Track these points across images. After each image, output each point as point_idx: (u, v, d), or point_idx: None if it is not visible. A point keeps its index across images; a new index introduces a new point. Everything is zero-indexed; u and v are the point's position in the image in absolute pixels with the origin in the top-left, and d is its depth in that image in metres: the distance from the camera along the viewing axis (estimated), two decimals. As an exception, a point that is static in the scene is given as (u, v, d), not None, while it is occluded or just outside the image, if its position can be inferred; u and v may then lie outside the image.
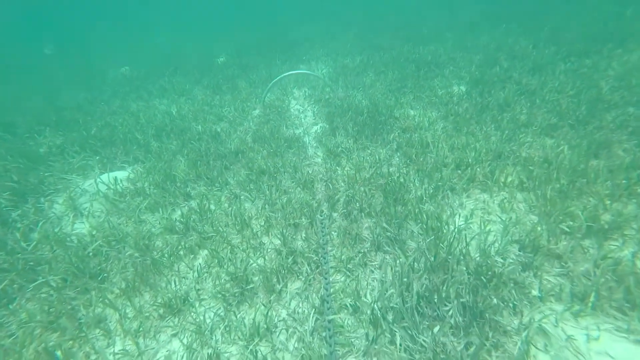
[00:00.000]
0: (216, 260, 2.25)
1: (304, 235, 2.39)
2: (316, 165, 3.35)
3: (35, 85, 7.61)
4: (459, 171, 2.84)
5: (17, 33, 14.25)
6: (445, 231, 2.19)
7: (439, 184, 2.66)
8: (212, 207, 2.82)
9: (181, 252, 2.38)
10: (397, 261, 2.03)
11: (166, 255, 2.34)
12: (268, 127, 4.23)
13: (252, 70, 6.80)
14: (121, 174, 3.50)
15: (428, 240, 2.09)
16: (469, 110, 3.81)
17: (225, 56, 8.12)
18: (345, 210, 2.57)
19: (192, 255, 2.37)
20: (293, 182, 3.04)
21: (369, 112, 4.10)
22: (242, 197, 2.93)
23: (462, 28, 7.69)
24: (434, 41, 6.97)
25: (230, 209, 2.74)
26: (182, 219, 2.64)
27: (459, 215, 2.38)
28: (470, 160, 2.89)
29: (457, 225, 2.25)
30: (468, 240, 2.05)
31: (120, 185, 3.24)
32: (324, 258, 2.16)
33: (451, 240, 2.02)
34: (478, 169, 2.75)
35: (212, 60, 7.97)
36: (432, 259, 1.92)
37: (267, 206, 2.75)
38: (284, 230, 2.40)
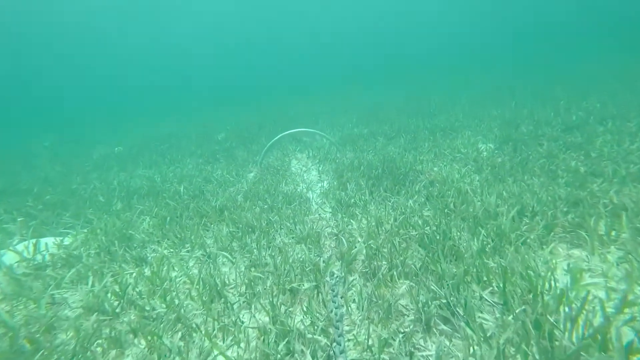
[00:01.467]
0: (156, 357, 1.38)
1: (305, 306, 1.55)
2: (323, 220, 2.63)
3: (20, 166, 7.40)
4: (526, 219, 2.10)
5: (20, 126, 15.08)
6: (544, 299, 1.37)
7: (499, 233, 1.90)
8: (174, 273, 2.02)
9: (99, 348, 1.50)
10: (471, 349, 1.17)
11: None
12: (264, 186, 3.64)
13: (252, 141, 6.57)
14: (52, 240, 2.75)
15: (517, 311, 1.25)
16: (506, 163, 3.23)
17: (226, 132, 8.07)
18: (368, 269, 1.77)
19: (118, 350, 1.49)
20: (292, 238, 2.29)
21: (385, 167, 3.54)
22: (219, 259, 2.14)
23: (468, 104, 7.77)
24: (443, 114, 6.90)
25: (199, 274, 1.93)
26: (120, 291, 1.82)
27: (552, 278, 1.56)
28: (535, 207, 2.18)
29: (559, 291, 1.43)
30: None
31: (45, 253, 2.44)
32: (339, 345, 1.29)
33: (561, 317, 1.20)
34: (555, 217, 2.03)
35: (211, 136, 7.90)
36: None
37: (253, 268, 1.95)
38: (275, 300, 1.57)
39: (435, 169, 3.46)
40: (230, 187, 3.94)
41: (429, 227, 2.08)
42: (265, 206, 3.04)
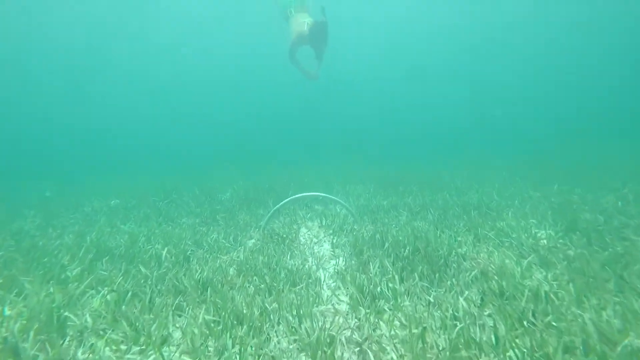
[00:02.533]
0: None
1: None
2: (338, 314, 1.93)
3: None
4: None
5: (27, 171, 15.19)
6: None
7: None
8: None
9: None
10: None
11: None
12: (264, 257, 3.00)
13: (259, 204, 6.05)
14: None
15: None
16: (588, 259, 2.50)
17: (232, 191, 7.62)
18: None
19: None
20: (293, 341, 1.59)
21: (416, 246, 2.90)
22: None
23: (497, 181, 7.27)
24: (471, 191, 6.38)
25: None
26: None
27: None
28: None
29: None
30: None
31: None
32: None
33: None
34: None
35: (215, 195, 7.44)
36: None
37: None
38: None
39: (482, 254, 2.78)
40: (223, 254, 3.30)
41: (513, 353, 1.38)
42: (262, 285, 2.37)
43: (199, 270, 2.62)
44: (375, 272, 2.51)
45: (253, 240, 3.87)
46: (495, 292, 2.01)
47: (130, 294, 2.13)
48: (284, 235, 3.74)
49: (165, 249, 3.19)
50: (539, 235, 3.18)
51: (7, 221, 5.40)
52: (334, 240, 3.52)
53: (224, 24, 23.29)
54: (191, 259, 3.07)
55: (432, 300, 2.00)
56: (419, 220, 4.35)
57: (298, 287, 2.34)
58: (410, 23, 24.30)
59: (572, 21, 22.39)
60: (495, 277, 2.17)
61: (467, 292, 2.05)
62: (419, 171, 10.34)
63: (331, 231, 3.99)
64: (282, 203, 4.09)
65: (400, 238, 3.25)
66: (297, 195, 4.04)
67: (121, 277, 2.43)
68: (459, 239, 3.23)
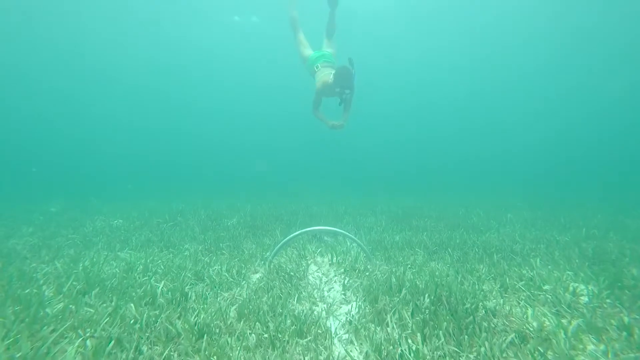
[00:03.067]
0: None
1: None
2: (352, 381, 1.67)
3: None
4: None
5: (32, 191, 15.29)
6: None
7: None
8: None
9: None
10: None
11: None
12: (269, 298, 2.75)
13: (265, 234, 5.82)
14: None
15: None
16: None
17: (238, 218, 7.42)
18: None
19: None
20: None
21: (437, 296, 2.62)
22: None
23: (517, 222, 6.94)
24: (490, 231, 6.06)
25: None
26: None
27: None
28: None
29: None
30: None
31: None
32: None
33: None
34: None
35: (221, 220, 7.25)
36: None
37: None
38: None
39: (514, 309, 2.48)
40: (225, 291, 3.06)
41: None
42: (265, 336, 2.11)
43: (196, 312, 2.38)
44: (393, 326, 2.24)
45: (258, 275, 3.63)
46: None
47: (113, 341, 1.88)
48: (292, 273, 3.49)
49: (162, 282, 2.96)
50: (578, 290, 2.86)
51: (2, 239, 5.26)
52: (346, 282, 3.25)
53: (236, 52, 23.94)
54: (190, 296, 2.83)
55: (462, 369, 1.72)
56: (436, 261, 4.07)
57: (305, 340, 2.07)
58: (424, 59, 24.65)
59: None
60: (539, 347, 1.88)
61: (503, 363, 1.76)
62: (432, 205, 10.06)
63: (342, 270, 3.72)
64: (290, 237, 3.87)
65: (418, 283, 2.98)
66: (307, 229, 3.82)
67: (107, 318, 2.20)
68: (484, 287, 2.94)
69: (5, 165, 29.09)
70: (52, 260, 3.74)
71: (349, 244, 4.90)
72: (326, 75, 5.31)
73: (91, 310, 2.38)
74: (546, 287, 2.82)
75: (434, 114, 35.22)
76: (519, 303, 2.58)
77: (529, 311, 2.42)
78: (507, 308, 2.48)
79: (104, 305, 2.53)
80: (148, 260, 3.86)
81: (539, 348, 1.83)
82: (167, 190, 16.52)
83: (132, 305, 2.46)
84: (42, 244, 4.96)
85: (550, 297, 2.64)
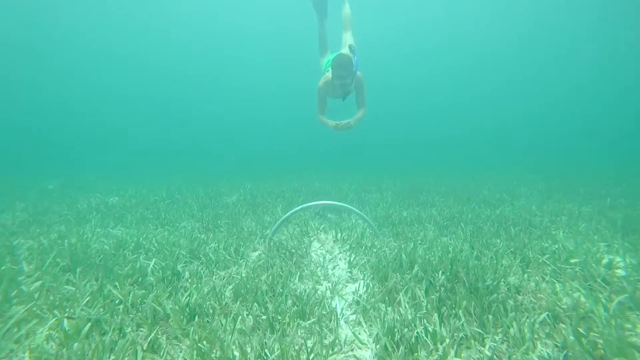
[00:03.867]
0: None
1: None
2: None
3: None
4: None
5: (36, 165, 15.10)
6: None
7: None
8: None
9: None
10: None
11: None
12: (268, 276, 2.54)
13: (266, 210, 5.61)
14: None
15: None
16: None
17: (238, 195, 7.22)
18: None
19: None
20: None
21: (452, 272, 2.41)
22: None
23: (533, 194, 6.67)
24: (504, 204, 5.80)
25: None
26: None
27: None
28: None
29: None
30: None
31: None
32: None
33: None
34: None
35: (220, 198, 7.05)
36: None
37: None
38: None
39: (541, 285, 2.25)
40: (221, 269, 2.86)
41: None
42: (264, 317, 1.91)
43: (188, 292, 2.18)
44: (406, 306, 2.03)
45: (257, 253, 3.43)
46: (586, 349, 1.49)
47: (87, 327, 1.68)
48: (293, 250, 3.29)
49: (154, 260, 2.76)
50: (614, 262, 2.62)
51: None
52: (352, 259, 3.04)
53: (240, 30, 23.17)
54: (183, 274, 2.63)
55: (490, 355, 1.51)
56: (448, 237, 3.85)
57: (308, 322, 1.87)
58: (433, 28, 23.77)
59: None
60: (579, 327, 1.65)
61: (538, 347, 1.55)
62: (440, 180, 9.80)
63: (347, 246, 3.51)
64: (291, 212, 3.65)
65: (431, 259, 2.76)
66: (309, 204, 3.59)
67: (89, 297, 2.00)
68: (504, 262, 2.71)
69: (7, 142, 28.98)
70: (39, 236, 3.55)
71: (354, 220, 4.69)
72: (329, 72, 4.74)
73: (72, 288, 2.19)
74: (574, 260, 2.58)
75: (438, 85, 34.40)
76: (544, 278, 2.36)
77: (557, 286, 2.20)
78: (533, 284, 2.26)
79: (89, 283, 2.33)
80: (141, 238, 3.66)
81: (579, 328, 1.61)
82: (167, 169, 16.34)
83: (116, 281, 2.27)
84: (33, 219, 4.79)
85: (580, 270, 2.40)
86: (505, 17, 22.57)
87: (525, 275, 2.38)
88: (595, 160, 13.71)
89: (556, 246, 3.01)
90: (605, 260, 2.47)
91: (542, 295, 2.08)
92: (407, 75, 31.56)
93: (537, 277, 2.38)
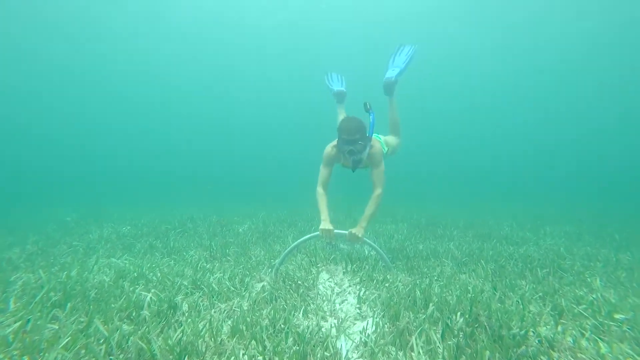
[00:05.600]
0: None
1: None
2: None
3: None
4: None
5: (54, 201, 15.42)
6: None
7: None
8: None
9: None
10: None
11: None
12: (270, 310, 2.36)
13: (276, 240, 5.46)
14: None
15: None
16: None
17: (250, 224, 7.11)
18: None
19: None
20: None
21: (472, 315, 2.17)
22: None
23: (559, 235, 6.27)
24: (528, 243, 5.45)
25: None
26: None
27: None
28: None
29: None
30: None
31: None
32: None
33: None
34: None
35: (232, 226, 6.95)
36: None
37: None
38: None
39: (581, 342, 1.96)
40: (222, 301, 2.70)
41: None
42: (260, 358, 1.73)
43: (182, 327, 2.02)
44: (419, 351, 1.81)
45: (263, 284, 3.25)
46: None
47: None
48: (300, 281, 3.10)
49: (152, 291, 2.63)
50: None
51: (4, 248, 5.10)
52: (361, 293, 2.83)
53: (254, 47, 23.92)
54: (181, 307, 2.49)
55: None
56: (467, 274, 3.58)
57: (309, 367, 1.68)
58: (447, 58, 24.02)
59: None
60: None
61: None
62: (458, 213, 9.46)
63: (358, 279, 3.30)
64: (300, 240, 3.50)
65: (448, 298, 2.52)
66: (316, 233, 3.44)
67: (69, 337, 1.85)
68: (531, 309, 2.44)
69: (28, 174, 30.14)
70: (40, 269, 3.45)
71: (366, 251, 4.47)
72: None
73: (55, 327, 2.05)
74: (619, 315, 2.27)
75: (459, 119, 34.29)
76: (584, 334, 2.06)
77: (602, 347, 1.91)
78: (570, 339, 1.98)
79: (77, 320, 2.19)
80: (145, 268, 3.56)
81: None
82: (183, 197, 16.50)
83: (108, 315, 2.13)
84: (42, 252, 4.76)
85: (629, 330, 2.09)
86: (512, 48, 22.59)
87: (560, 327, 2.10)
88: (630, 201, 12.98)
89: (593, 296, 2.70)
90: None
91: (583, 356, 1.81)
92: (429, 106, 31.68)
93: (573, 331, 2.10)
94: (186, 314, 2.37)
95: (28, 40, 18.73)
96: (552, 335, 1.95)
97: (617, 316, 2.24)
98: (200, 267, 3.71)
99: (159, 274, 3.32)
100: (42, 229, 7.11)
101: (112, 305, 2.36)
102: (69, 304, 2.38)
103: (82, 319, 2.19)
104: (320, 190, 3.82)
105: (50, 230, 6.94)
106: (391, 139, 4.58)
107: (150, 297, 2.52)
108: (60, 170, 33.24)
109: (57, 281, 2.85)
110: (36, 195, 18.43)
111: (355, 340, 2.08)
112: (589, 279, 3.30)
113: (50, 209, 12.19)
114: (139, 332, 1.91)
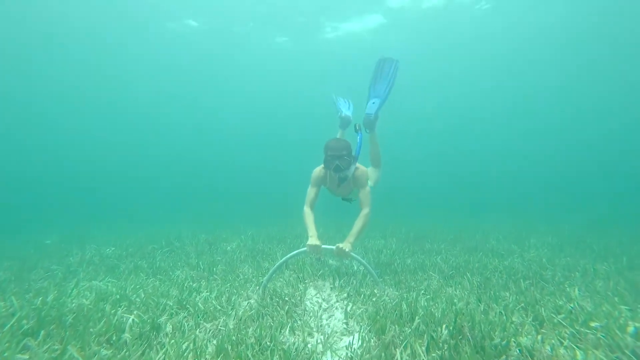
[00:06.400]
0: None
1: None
2: None
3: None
4: None
5: (32, 223, 14.89)
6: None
7: None
8: None
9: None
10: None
11: None
12: (257, 328, 2.34)
13: (266, 257, 5.42)
14: None
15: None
16: None
17: (239, 241, 7.04)
18: None
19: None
20: None
21: (456, 326, 2.19)
22: None
23: (542, 247, 6.37)
24: (513, 255, 5.51)
25: None
26: None
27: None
28: None
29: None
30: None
31: None
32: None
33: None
34: None
35: (219, 244, 6.87)
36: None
37: None
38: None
39: (559, 351, 1.99)
40: (208, 321, 2.66)
41: None
42: (244, 377, 1.71)
43: (163, 350, 1.99)
44: (404, 365, 1.81)
45: (250, 302, 3.22)
46: None
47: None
48: (287, 298, 3.08)
49: (134, 313, 2.58)
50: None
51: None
52: (349, 308, 2.82)
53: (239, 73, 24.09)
54: (164, 328, 2.44)
55: None
56: (453, 287, 3.61)
57: (293, 384, 1.67)
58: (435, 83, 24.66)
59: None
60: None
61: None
62: (446, 227, 9.54)
63: (345, 294, 3.30)
64: (288, 256, 3.50)
65: (434, 311, 2.54)
66: (304, 249, 3.45)
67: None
68: (514, 319, 2.47)
69: (9, 196, 29.17)
70: (12, 296, 3.33)
71: (355, 266, 4.48)
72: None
73: (26, 357, 1.99)
74: (594, 323, 2.32)
75: (446, 133, 34.93)
76: (562, 343, 2.10)
77: (579, 354, 1.94)
78: (548, 348, 2.01)
79: (51, 348, 2.12)
80: (129, 290, 3.49)
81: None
82: (170, 215, 16.28)
83: (84, 339, 2.08)
84: (16, 278, 4.60)
85: (603, 337, 2.13)
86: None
87: (539, 337, 2.13)
88: (608, 213, 13.27)
89: (572, 305, 2.75)
90: (631, 328, 2.20)
91: (560, 361, 1.84)
92: (416, 121, 32.23)
93: (553, 340, 2.13)
94: (169, 335, 2.33)
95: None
96: (532, 345, 1.98)
97: (592, 324, 2.29)
98: (186, 287, 3.66)
99: (143, 295, 3.26)
100: (17, 254, 6.86)
101: (91, 330, 2.30)
102: (42, 331, 2.29)
103: (56, 347, 2.12)
104: (307, 209, 3.88)
105: (27, 255, 6.71)
106: (372, 172, 4.63)
107: (133, 319, 2.47)
108: (41, 191, 32.28)
109: (31, 308, 2.75)
110: (14, 218, 17.79)
111: (342, 356, 2.07)
112: (568, 289, 3.36)
113: (29, 232, 11.80)
114: (118, 356, 1.87)
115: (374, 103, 4.63)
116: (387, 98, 4.69)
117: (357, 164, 3.92)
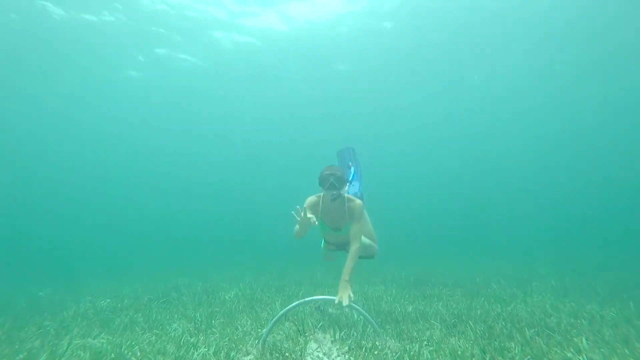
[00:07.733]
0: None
1: None
2: None
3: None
4: None
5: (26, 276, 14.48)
6: None
7: None
8: None
9: None
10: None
11: None
12: (255, 389, 2.27)
13: (265, 306, 5.29)
14: None
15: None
16: None
17: (237, 290, 6.88)
18: None
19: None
20: None
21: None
22: None
23: (545, 291, 6.26)
24: (516, 300, 5.42)
25: None
26: None
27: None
28: None
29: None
30: None
31: None
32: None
33: None
34: None
35: (218, 293, 6.71)
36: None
37: None
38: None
39: None
40: (206, 381, 2.57)
41: None
42: None
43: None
44: None
45: (249, 357, 3.12)
46: None
47: None
48: (287, 353, 3.00)
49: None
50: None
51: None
52: (351, 365, 2.75)
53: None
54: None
55: None
56: (456, 337, 3.53)
57: None
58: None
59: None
60: None
61: None
62: (446, 271, 9.40)
63: (346, 347, 3.21)
64: (288, 308, 3.43)
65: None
66: (304, 300, 3.41)
67: None
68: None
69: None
70: (2, 358, 3.21)
71: (356, 316, 4.38)
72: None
73: None
74: None
75: (440, 174, 35.32)
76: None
77: None
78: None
79: None
80: (123, 347, 3.39)
81: None
82: (168, 264, 15.94)
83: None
84: (6, 337, 4.45)
85: None
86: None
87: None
88: (612, 253, 13.12)
89: (581, 358, 2.70)
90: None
91: None
92: (414, 167, 32.73)
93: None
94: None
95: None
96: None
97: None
98: (183, 342, 3.56)
99: (138, 353, 3.16)
100: (10, 308, 6.65)
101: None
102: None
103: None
104: (296, 232, 3.81)
105: (19, 309, 6.49)
106: (367, 241, 4.32)
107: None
108: (34, 241, 31.52)
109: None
110: (7, 266, 17.28)
111: (344, 418, 2.00)
112: (575, 339, 3.29)
113: (22, 283, 11.38)
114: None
115: (353, 186, 4.48)
116: (360, 178, 4.65)
117: (352, 197, 3.92)
